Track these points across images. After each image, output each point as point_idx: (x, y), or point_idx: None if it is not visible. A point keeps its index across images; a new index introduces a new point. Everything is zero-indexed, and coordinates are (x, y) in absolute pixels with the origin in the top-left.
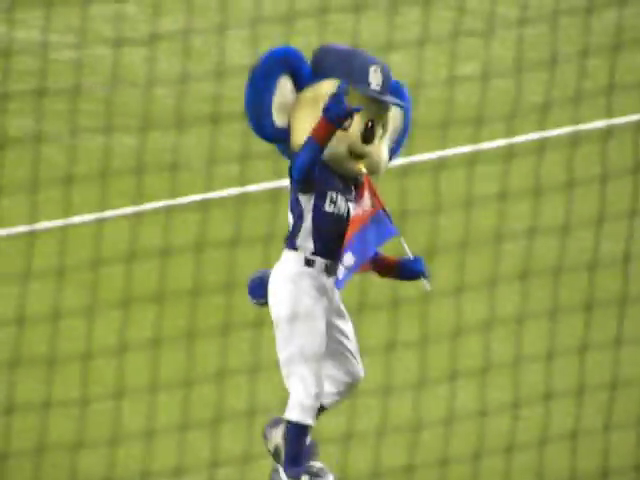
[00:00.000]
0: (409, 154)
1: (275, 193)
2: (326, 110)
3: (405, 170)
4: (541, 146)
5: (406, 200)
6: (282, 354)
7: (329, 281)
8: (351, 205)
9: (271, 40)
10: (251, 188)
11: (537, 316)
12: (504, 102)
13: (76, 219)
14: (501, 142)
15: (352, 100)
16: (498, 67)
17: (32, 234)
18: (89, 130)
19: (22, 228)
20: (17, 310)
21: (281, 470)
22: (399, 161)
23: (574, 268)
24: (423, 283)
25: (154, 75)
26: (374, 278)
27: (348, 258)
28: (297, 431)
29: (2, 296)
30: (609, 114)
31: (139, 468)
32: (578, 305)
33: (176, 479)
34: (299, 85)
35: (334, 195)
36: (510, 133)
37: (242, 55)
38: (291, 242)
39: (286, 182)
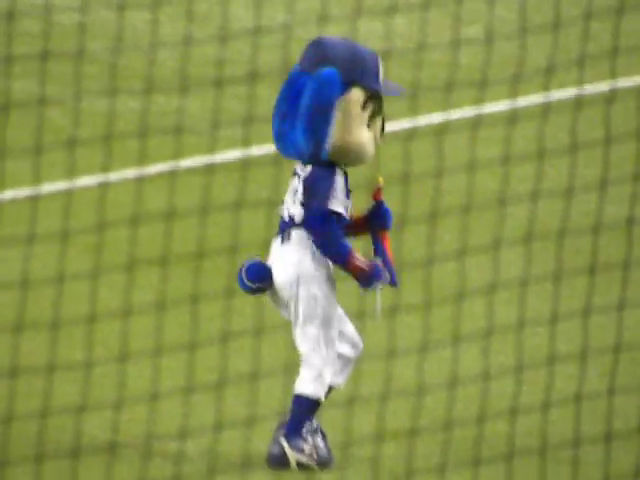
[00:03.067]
0: (413, 117)
1: (279, 156)
2: (373, 277)
3: (409, 133)
4: (545, 109)
5: (409, 163)
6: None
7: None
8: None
9: (274, 3)
10: (255, 151)
11: (541, 279)
12: (508, 65)
13: (80, 182)
14: (505, 105)
15: (371, 101)
16: (502, 29)
17: (36, 197)
18: (93, 93)
19: (26, 191)
20: (21, 273)
21: (283, 440)
22: (403, 125)
23: (578, 231)
24: (375, 308)
25: (158, 38)
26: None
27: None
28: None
29: (6, 259)
30: (613, 77)
31: (143, 431)
32: (582, 268)
33: (180, 442)
34: None
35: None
36: (514, 96)
37: (245, 18)
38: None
39: None
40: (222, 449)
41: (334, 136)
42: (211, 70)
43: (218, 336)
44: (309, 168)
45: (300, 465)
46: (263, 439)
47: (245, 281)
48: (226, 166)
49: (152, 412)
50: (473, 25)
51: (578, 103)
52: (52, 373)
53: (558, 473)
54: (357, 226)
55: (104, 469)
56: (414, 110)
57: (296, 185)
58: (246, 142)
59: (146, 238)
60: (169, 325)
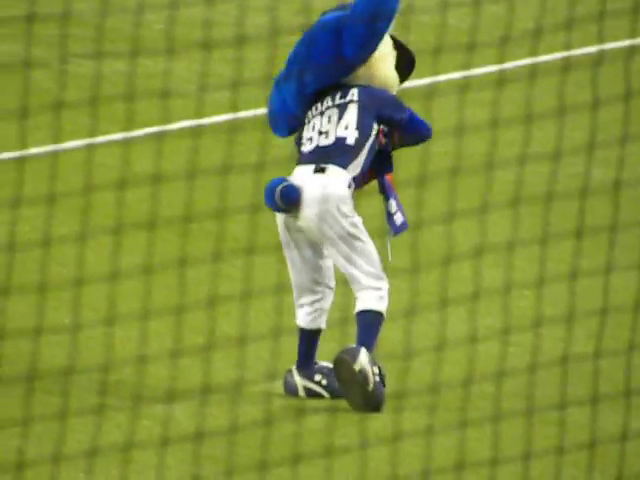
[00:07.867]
0: None
1: (266, 120)
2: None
3: None
4: (532, 72)
5: None
6: (364, 260)
7: None
8: None
9: None
10: (243, 114)
11: (528, 243)
12: (496, 28)
13: (66, 145)
14: (492, 68)
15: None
16: None
17: (22, 160)
18: (79, 56)
19: (12, 154)
20: (8, 236)
21: (355, 352)
22: None
23: (565, 194)
24: (387, 249)
25: (144, 0)
26: (364, 206)
27: (394, 204)
28: (382, 322)
29: None
30: (600, 40)
31: (131, 393)
32: (569, 231)
33: (168, 404)
34: None
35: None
36: (501, 59)
37: None
38: (343, 160)
39: None
40: (210, 412)
41: (372, 64)
42: (198, 32)
43: (206, 299)
44: (354, 91)
45: (364, 378)
46: (250, 402)
47: (278, 202)
48: (214, 129)
49: (140, 375)
50: None
51: (565, 66)
52: (39, 336)
53: (545, 435)
54: (364, 175)
55: (92, 431)
56: None
57: (329, 116)
58: (234, 105)
59: (133, 201)
60: (157, 288)
